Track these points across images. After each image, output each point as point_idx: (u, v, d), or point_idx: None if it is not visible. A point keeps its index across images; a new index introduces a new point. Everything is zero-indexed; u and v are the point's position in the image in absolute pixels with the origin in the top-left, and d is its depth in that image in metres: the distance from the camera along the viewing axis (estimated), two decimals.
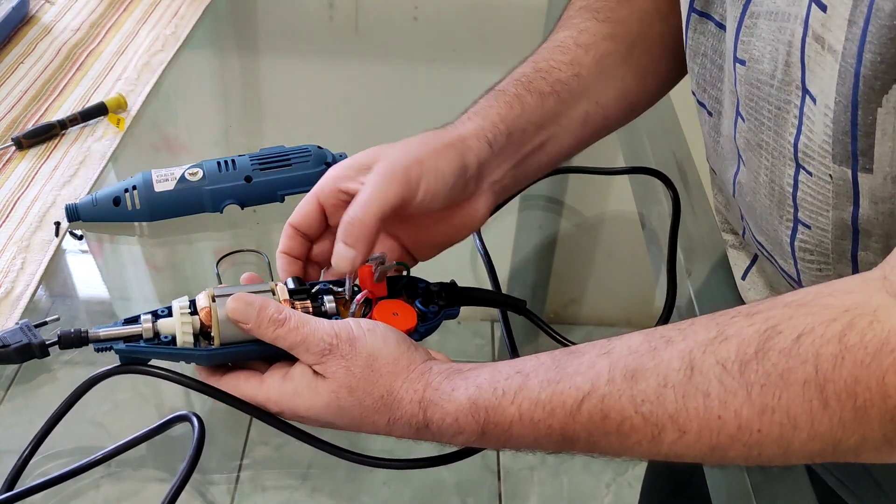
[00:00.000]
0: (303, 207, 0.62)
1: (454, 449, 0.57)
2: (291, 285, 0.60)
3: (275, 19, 1.31)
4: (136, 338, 0.57)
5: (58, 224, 0.82)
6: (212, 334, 0.57)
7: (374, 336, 0.54)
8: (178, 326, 0.56)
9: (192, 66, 1.14)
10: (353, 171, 0.61)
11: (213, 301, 0.57)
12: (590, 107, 0.69)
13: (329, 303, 0.60)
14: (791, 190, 0.54)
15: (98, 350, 0.58)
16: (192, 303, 0.58)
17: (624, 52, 0.69)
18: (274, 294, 0.59)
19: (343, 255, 0.58)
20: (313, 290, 0.61)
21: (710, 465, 0.48)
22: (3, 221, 0.83)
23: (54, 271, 0.79)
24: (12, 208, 0.84)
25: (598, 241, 0.96)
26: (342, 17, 1.35)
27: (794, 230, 0.56)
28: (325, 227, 0.63)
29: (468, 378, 0.52)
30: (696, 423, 0.45)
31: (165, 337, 0.57)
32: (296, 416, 0.55)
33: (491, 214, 0.68)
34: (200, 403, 0.66)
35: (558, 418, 0.48)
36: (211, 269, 0.79)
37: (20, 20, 1.13)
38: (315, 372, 0.54)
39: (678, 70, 0.72)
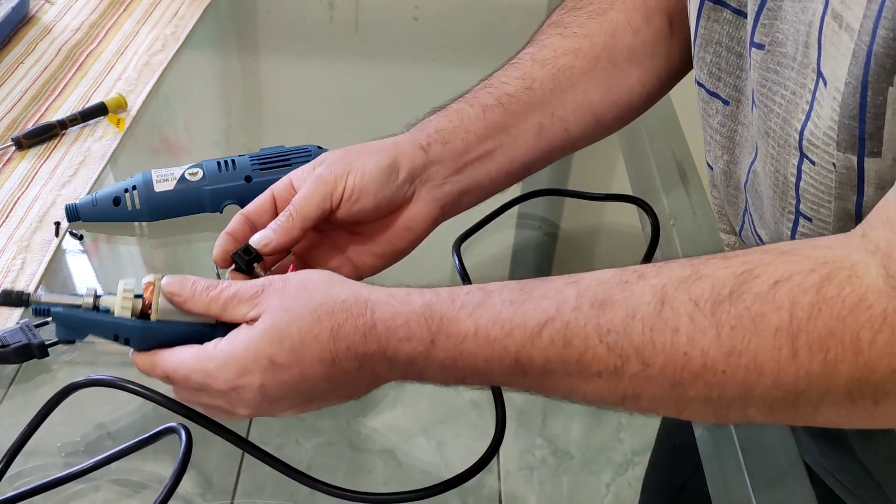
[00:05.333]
0: (257, 199, 0.65)
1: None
2: None
3: (275, 19, 1.31)
4: (77, 307, 0.57)
5: (58, 224, 0.82)
6: (150, 314, 0.56)
7: (306, 271, 0.55)
8: (119, 302, 0.56)
9: (192, 66, 1.14)
10: (304, 174, 0.64)
11: (160, 280, 0.56)
12: (544, 118, 0.69)
13: None
14: (794, 180, 0.54)
15: (36, 313, 0.57)
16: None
17: (585, 67, 0.70)
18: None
19: (262, 235, 0.61)
20: None
21: (666, 406, 0.47)
22: (3, 221, 0.83)
23: (54, 271, 0.79)
24: (12, 208, 0.84)
25: (597, 243, 0.96)
26: (342, 17, 1.35)
27: (796, 223, 0.56)
28: (272, 219, 0.64)
29: (424, 289, 0.51)
30: (661, 357, 0.44)
31: (104, 308, 0.56)
32: (235, 369, 0.51)
33: (437, 224, 0.68)
34: None
35: (516, 340, 0.47)
36: (211, 269, 0.79)
37: (20, 20, 1.13)
38: (249, 323, 0.53)
39: (650, 84, 0.72)
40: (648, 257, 0.81)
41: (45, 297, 0.57)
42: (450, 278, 0.80)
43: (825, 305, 0.41)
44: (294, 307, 0.51)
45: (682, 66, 0.72)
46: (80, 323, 0.57)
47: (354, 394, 0.54)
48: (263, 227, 0.63)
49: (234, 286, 0.54)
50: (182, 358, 0.53)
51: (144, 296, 0.56)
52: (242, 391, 0.52)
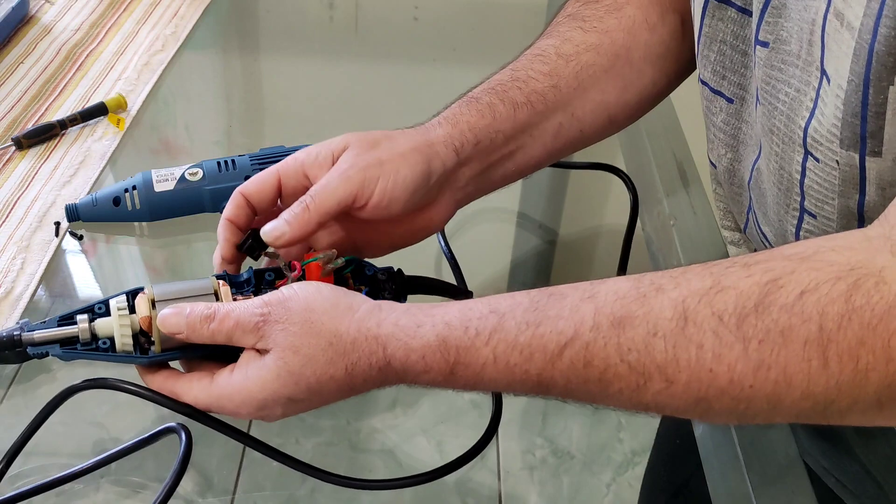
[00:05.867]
0: (260, 179, 0.62)
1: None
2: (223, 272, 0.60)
3: (275, 19, 1.31)
4: (74, 340, 0.56)
5: (58, 224, 0.82)
6: (152, 338, 0.55)
7: (305, 290, 0.53)
8: (117, 329, 0.55)
9: (192, 66, 1.14)
10: (321, 159, 0.61)
11: (154, 308, 0.55)
12: (564, 118, 0.68)
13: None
14: (799, 177, 0.53)
15: (33, 355, 0.56)
16: (130, 296, 0.57)
17: (606, 64, 0.69)
18: (218, 298, 0.57)
19: (276, 228, 0.58)
20: (259, 281, 0.60)
21: (690, 417, 0.47)
22: (3, 221, 0.83)
23: (54, 271, 0.79)
24: (12, 208, 0.84)
25: (598, 241, 0.96)
26: (342, 17, 1.35)
27: (800, 220, 0.55)
28: (275, 204, 0.63)
29: (434, 315, 0.50)
30: (685, 374, 0.44)
31: (104, 342, 0.55)
32: (255, 405, 0.53)
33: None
34: None
35: (536, 364, 0.47)
36: (210, 269, 0.79)
37: (20, 20, 1.13)
38: (258, 351, 0.53)
39: (661, 84, 0.72)
40: (630, 230, 0.82)
41: (37, 335, 0.56)
42: (434, 258, 0.79)
43: (855, 315, 0.40)
44: (304, 347, 0.51)
45: (690, 66, 0.72)
46: (83, 358, 0.56)
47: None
48: (263, 210, 0.62)
49: (232, 315, 0.53)
50: (197, 396, 0.54)
51: (142, 326, 0.55)
52: (265, 417, 0.54)
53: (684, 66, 0.72)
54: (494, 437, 0.63)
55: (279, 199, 0.63)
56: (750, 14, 0.58)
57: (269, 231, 0.58)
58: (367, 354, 0.50)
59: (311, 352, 0.51)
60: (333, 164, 0.61)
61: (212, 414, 0.56)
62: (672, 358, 0.44)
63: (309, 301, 0.52)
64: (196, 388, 0.54)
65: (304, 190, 0.61)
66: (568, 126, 0.68)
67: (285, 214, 0.59)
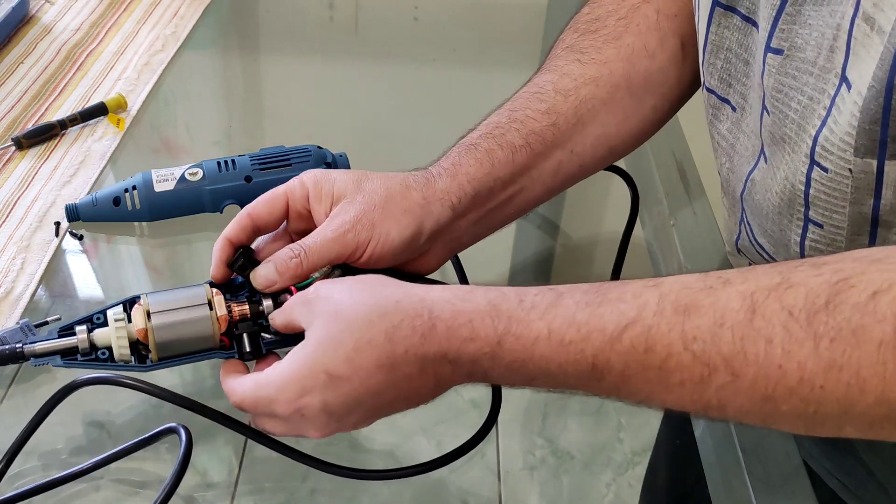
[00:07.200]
0: (268, 204, 0.62)
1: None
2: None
3: (275, 19, 1.31)
4: (74, 350, 0.58)
5: (58, 224, 0.82)
6: (149, 346, 0.57)
7: (353, 276, 0.54)
8: (114, 339, 0.57)
9: (192, 66, 1.14)
10: (323, 195, 0.61)
11: (149, 319, 0.57)
12: (564, 156, 0.67)
13: (266, 300, 0.60)
14: (803, 188, 0.53)
15: (36, 365, 0.58)
16: (127, 304, 0.59)
17: (605, 97, 0.68)
18: (211, 308, 0.58)
19: (268, 278, 0.59)
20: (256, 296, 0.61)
21: (754, 418, 0.45)
22: (3, 221, 0.83)
23: (54, 271, 0.79)
24: (12, 208, 0.84)
25: (599, 241, 0.96)
26: (342, 17, 1.35)
27: (805, 230, 0.55)
28: (278, 227, 0.63)
29: (488, 287, 0.49)
30: (753, 368, 0.42)
31: (103, 353, 0.57)
32: (296, 390, 0.50)
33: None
34: None
35: (594, 343, 0.45)
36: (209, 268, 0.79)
37: (20, 20, 1.13)
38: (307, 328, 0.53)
39: (662, 109, 0.71)
40: (629, 228, 0.82)
41: (39, 346, 0.58)
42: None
43: None
44: (344, 312, 0.50)
45: (691, 89, 0.71)
46: (84, 367, 0.58)
47: (422, 399, 0.52)
48: (268, 232, 0.63)
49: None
50: (244, 391, 0.53)
51: (139, 337, 0.57)
52: (306, 411, 0.51)
53: (685, 89, 0.71)
54: (495, 434, 0.63)
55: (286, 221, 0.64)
56: (754, 24, 0.58)
57: (259, 278, 0.60)
58: (412, 316, 0.48)
59: (351, 315, 0.49)
60: (332, 206, 0.61)
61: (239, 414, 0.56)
62: (739, 350, 0.42)
63: (357, 277, 0.53)
64: (243, 386, 0.53)
65: (305, 220, 0.62)
66: (567, 162, 0.68)
67: (277, 264, 0.59)
